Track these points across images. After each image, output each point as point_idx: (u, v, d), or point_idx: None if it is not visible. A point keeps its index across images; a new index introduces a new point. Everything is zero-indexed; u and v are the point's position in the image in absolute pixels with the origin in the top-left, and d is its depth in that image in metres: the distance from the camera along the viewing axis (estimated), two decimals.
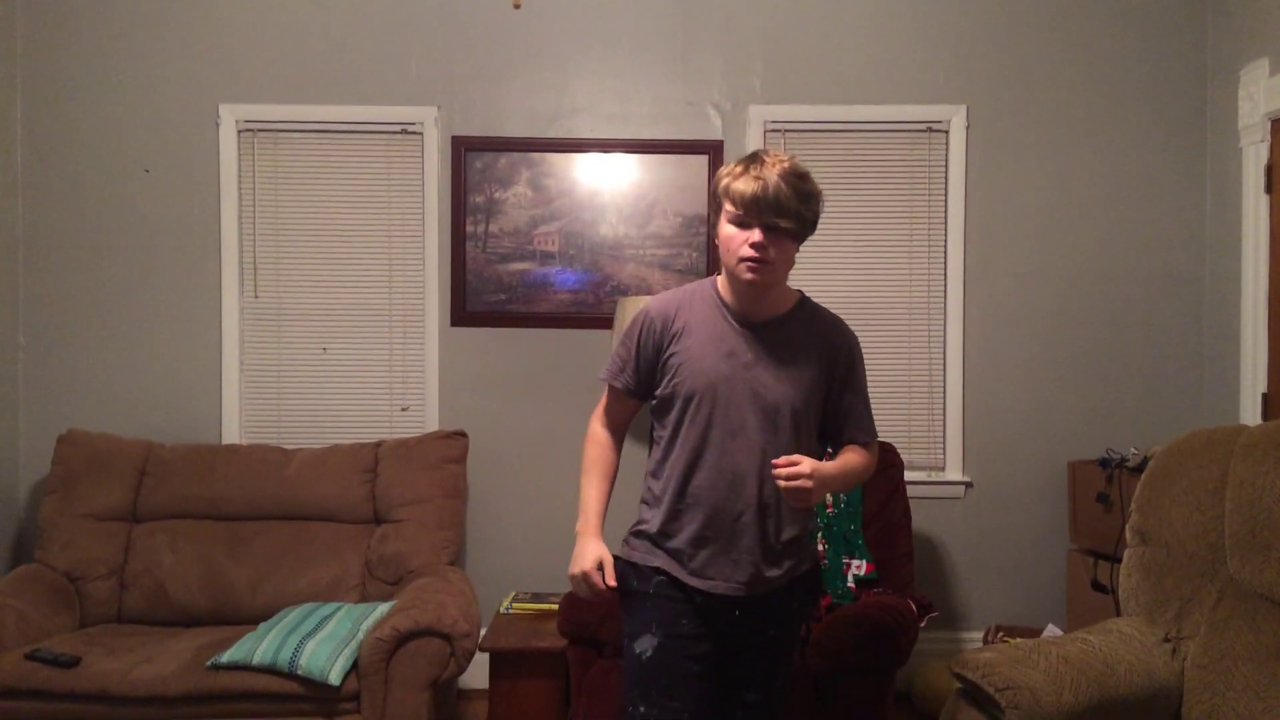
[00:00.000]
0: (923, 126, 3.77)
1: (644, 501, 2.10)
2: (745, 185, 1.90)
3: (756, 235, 1.91)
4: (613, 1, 3.77)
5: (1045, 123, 3.76)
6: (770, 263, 1.93)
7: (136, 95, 3.75)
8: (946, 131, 3.76)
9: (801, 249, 2.04)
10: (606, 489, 2.12)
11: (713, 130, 3.77)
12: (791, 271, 2.06)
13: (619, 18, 3.77)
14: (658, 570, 2.02)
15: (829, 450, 2.12)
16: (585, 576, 2.01)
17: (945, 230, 3.77)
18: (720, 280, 2.07)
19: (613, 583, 2.01)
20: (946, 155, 3.76)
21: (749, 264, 1.92)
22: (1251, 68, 3.39)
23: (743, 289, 2.00)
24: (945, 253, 3.77)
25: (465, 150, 3.75)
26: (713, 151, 3.75)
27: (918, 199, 3.78)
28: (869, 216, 3.78)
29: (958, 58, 3.76)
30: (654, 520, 2.04)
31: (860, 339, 3.95)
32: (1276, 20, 3.30)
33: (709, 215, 2.09)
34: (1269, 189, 3.31)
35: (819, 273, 3.74)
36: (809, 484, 1.85)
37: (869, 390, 2.12)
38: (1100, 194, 3.76)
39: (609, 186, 3.76)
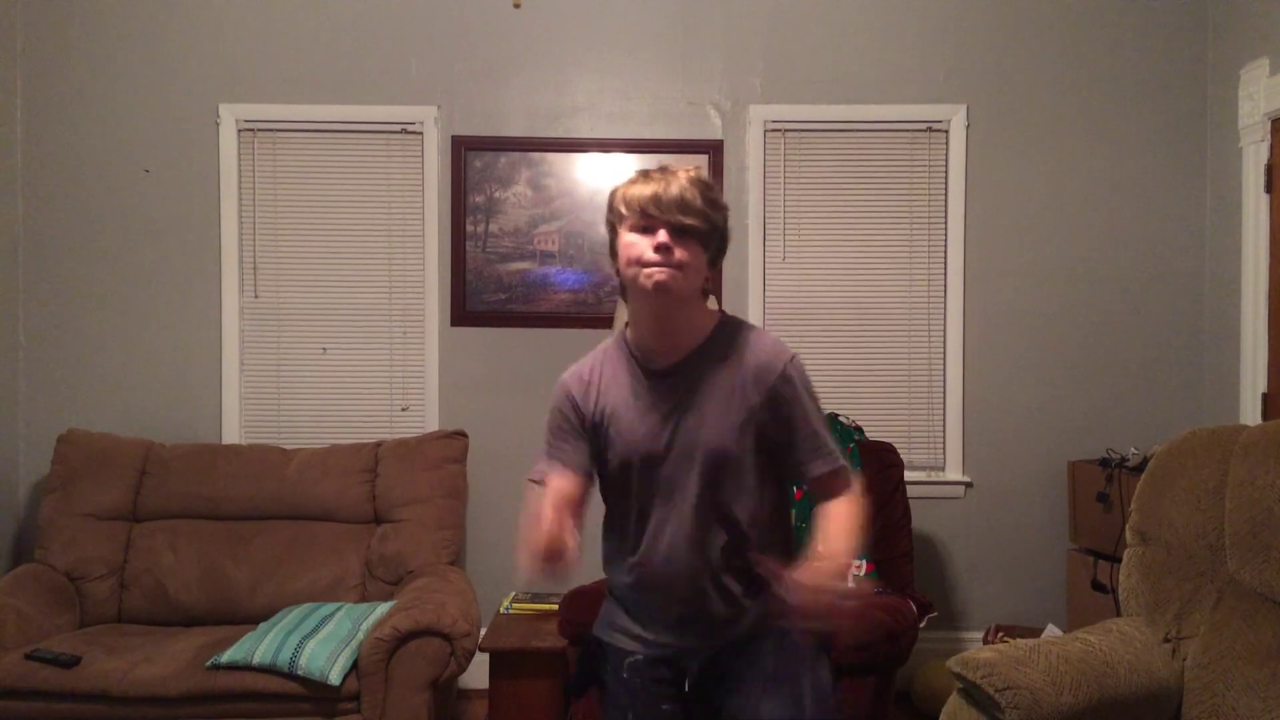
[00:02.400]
0: (923, 126, 3.77)
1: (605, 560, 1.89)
2: (643, 189, 1.72)
3: (661, 235, 1.69)
4: (613, 1, 3.77)
5: (1045, 122, 3.76)
6: (679, 266, 1.69)
7: (136, 95, 3.75)
8: (946, 131, 3.76)
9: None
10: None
11: (713, 130, 3.77)
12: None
13: (619, 17, 3.77)
14: (628, 651, 1.83)
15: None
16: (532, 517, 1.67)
17: (945, 230, 3.77)
18: (628, 327, 1.86)
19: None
20: (946, 155, 3.76)
21: (654, 267, 1.69)
22: (1252, 67, 3.39)
23: (647, 314, 1.77)
24: (945, 253, 3.77)
25: (465, 150, 3.75)
26: (713, 151, 3.75)
27: (918, 199, 3.78)
28: (869, 216, 3.78)
29: (958, 57, 3.76)
30: (615, 590, 1.87)
31: (860, 339, 3.92)
32: (1276, 20, 3.30)
33: (610, 244, 1.81)
34: (1269, 189, 3.31)
35: (819, 272, 3.75)
36: (819, 597, 1.58)
37: (821, 413, 1.82)
38: (1100, 194, 3.76)
39: (609, 186, 3.73)
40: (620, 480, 1.81)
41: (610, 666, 1.85)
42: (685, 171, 1.77)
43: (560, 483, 1.80)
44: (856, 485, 1.81)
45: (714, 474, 1.75)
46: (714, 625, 1.79)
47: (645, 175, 1.77)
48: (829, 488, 1.80)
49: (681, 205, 1.70)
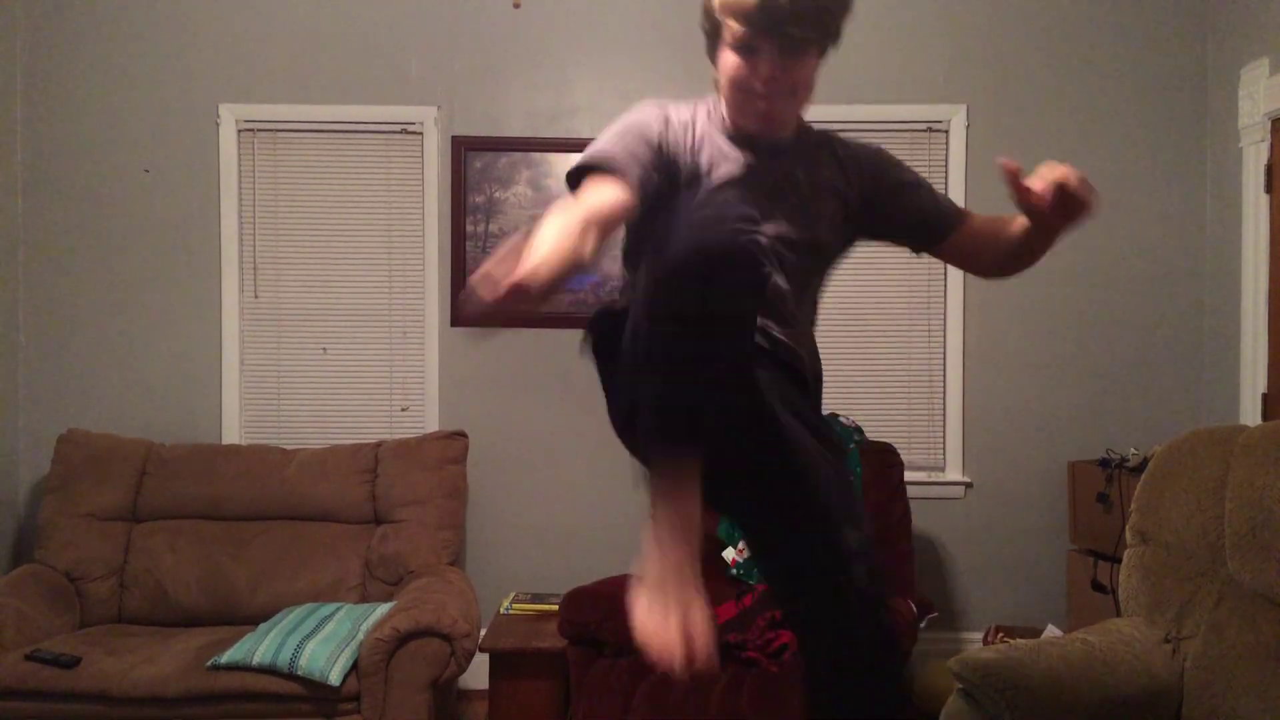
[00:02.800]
0: (923, 126, 3.77)
1: None
2: None
3: (766, 66, 1.47)
4: (613, 1, 3.77)
5: (1045, 122, 3.76)
6: (791, 93, 1.52)
7: (136, 95, 3.75)
8: (946, 131, 3.76)
9: None
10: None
11: None
12: None
13: (619, 17, 3.77)
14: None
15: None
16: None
17: None
18: (723, 102, 1.66)
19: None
20: (946, 155, 3.76)
21: (761, 105, 1.52)
22: (1252, 67, 3.39)
23: (754, 124, 1.61)
24: None
25: (465, 150, 3.75)
26: None
27: None
28: None
29: (957, 57, 3.76)
30: None
31: (860, 339, 3.93)
32: (1276, 20, 3.30)
33: (706, 42, 1.59)
34: (1269, 189, 3.31)
35: None
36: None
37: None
38: (1100, 193, 3.75)
39: None
40: None
41: None
42: None
43: (610, 192, 1.47)
44: None
45: (810, 263, 1.61)
46: None
47: None
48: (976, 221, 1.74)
49: (795, 12, 1.43)
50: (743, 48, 1.49)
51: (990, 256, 1.76)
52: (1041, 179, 1.43)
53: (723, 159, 1.59)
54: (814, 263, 1.65)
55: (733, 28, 1.47)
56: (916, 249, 1.76)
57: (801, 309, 1.65)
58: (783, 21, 1.43)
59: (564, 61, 3.77)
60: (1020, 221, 1.62)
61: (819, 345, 1.74)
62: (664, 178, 1.54)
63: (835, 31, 1.53)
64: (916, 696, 3.52)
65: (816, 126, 1.75)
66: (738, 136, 1.63)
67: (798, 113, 1.63)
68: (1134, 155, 3.75)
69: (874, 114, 3.75)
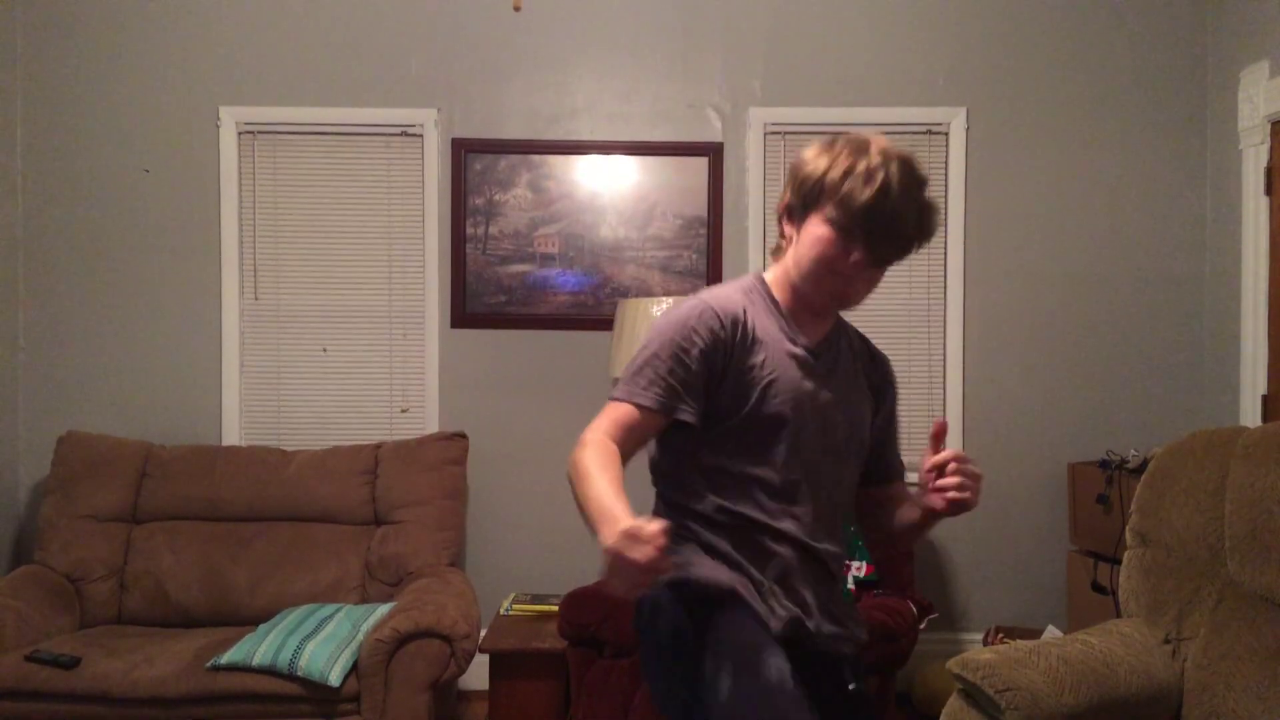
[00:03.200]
0: (922, 129, 3.77)
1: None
2: (867, 192, 1.50)
3: (858, 256, 1.54)
4: (613, 3, 3.77)
5: (1045, 125, 3.76)
6: (863, 290, 1.63)
7: (137, 97, 3.76)
8: (946, 134, 3.77)
9: None
10: (621, 487, 1.51)
11: (713, 132, 3.77)
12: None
13: (619, 19, 3.77)
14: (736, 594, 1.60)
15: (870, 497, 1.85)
16: (630, 534, 1.34)
17: (945, 231, 3.77)
18: (772, 279, 1.70)
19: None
20: (946, 157, 3.77)
21: (842, 284, 1.60)
22: (1251, 70, 3.40)
23: (809, 304, 1.67)
24: (945, 254, 3.77)
25: (465, 152, 3.76)
26: (713, 153, 3.75)
27: None
28: None
29: (957, 60, 3.76)
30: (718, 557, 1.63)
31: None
32: (1276, 23, 3.30)
33: (789, 204, 1.64)
34: (1269, 191, 3.32)
35: None
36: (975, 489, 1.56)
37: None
38: (1100, 196, 3.76)
39: (609, 188, 3.76)
40: (772, 436, 1.61)
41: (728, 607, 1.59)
42: (907, 169, 1.54)
43: (642, 423, 1.56)
44: None
45: (839, 460, 1.70)
46: (833, 621, 1.71)
47: (869, 168, 1.51)
48: (899, 488, 1.84)
49: (897, 237, 1.56)
50: (840, 230, 1.55)
51: (886, 524, 1.83)
52: (935, 459, 1.58)
53: (779, 356, 1.65)
54: (856, 455, 1.75)
55: (836, 213, 1.54)
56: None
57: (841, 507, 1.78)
58: (883, 237, 1.54)
59: (564, 64, 3.78)
60: (912, 508, 1.73)
61: None
62: (708, 383, 1.61)
63: (919, 247, 1.65)
64: (917, 698, 3.53)
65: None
66: (789, 321, 1.68)
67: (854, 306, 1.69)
68: (1134, 157, 3.75)
69: (874, 116, 3.75)
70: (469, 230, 3.77)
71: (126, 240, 3.76)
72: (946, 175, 3.76)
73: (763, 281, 1.71)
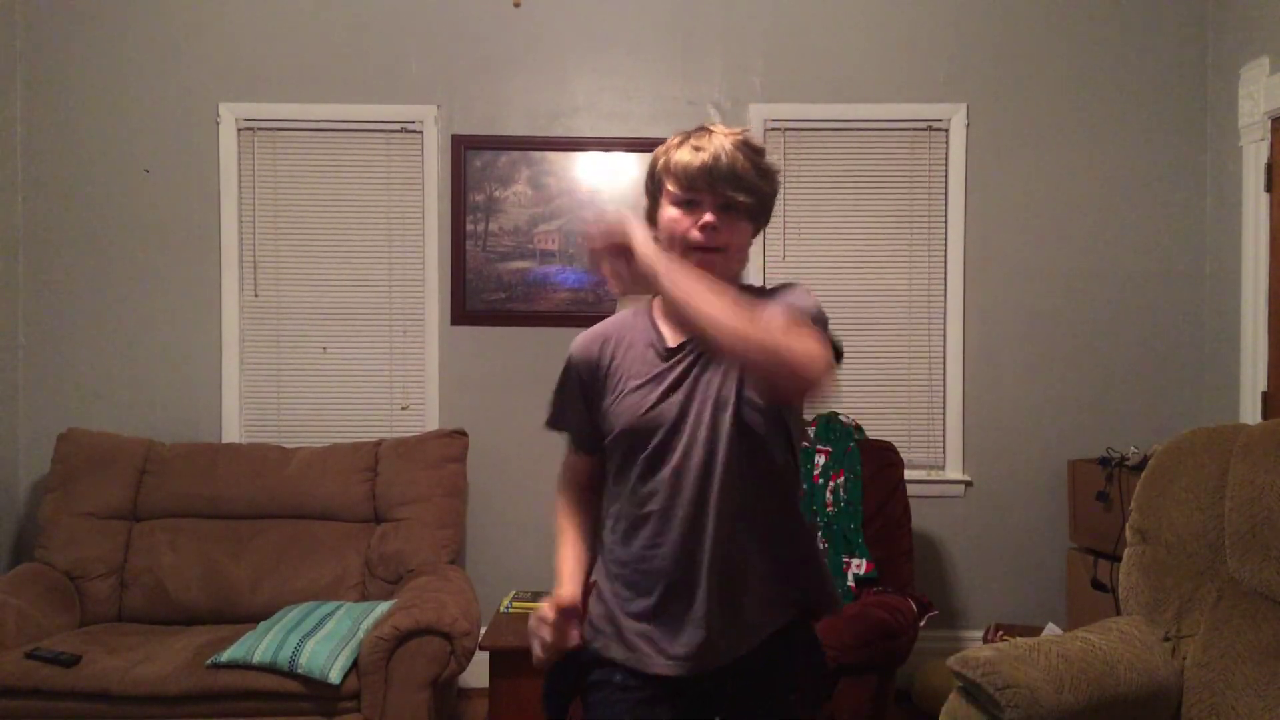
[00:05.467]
0: (923, 125, 3.77)
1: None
2: (690, 156, 1.58)
3: (707, 215, 1.57)
4: (612, 0, 3.76)
5: (1045, 121, 3.76)
6: (725, 249, 1.59)
7: (136, 94, 3.75)
8: (946, 130, 3.76)
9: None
10: (575, 552, 1.81)
11: None
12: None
13: (619, 16, 3.77)
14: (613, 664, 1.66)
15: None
16: (536, 617, 1.66)
17: (945, 230, 3.77)
18: (657, 302, 1.68)
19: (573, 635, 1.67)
20: (946, 154, 3.76)
21: (699, 253, 1.58)
22: (1252, 66, 3.39)
23: None
24: (945, 252, 3.77)
25: (465, 149, 3.75)
26: None
27: (918, 198, 3.78)
28: (869, 216, 3.78)
29: (958, 57, 3.76)
30: (606, 591, 1.71)
31: (860, 338, 3.94)
32: (1276, 19, 3.30)
33: (647, 209, 1.69)
34: (1269, 188, 3.31)
35: (819, 271, 3.75)
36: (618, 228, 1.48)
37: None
38: (1100, 193, 3.76)
39: (609, 185, 3.76)
40: (624, 458, 1.65)
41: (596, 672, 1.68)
42: (732, 134, 1.62)
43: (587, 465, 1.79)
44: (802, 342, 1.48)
45: (743, 445, 1.59)
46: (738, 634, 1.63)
47: (690, 139, 1.61)
48: None
49: (733, 179, 1.57)
50: (684, 203, 1.60)
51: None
52: None
53: (636, 374, 1.66)
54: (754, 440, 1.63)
55: (676, 187, 1.60)
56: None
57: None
58: (722, 182, 1.57)
59: (564, 60, 3.77)
60: None
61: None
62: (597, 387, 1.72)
63: (765, 209, 1.65)
64: (916, 695, 3.53)
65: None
66: (658, 328, 1.67)
67: (732, 275, 1.64)
68: (1134, 154, 3.75)
69: (874, 113, 3.76)
70: (469, 227, 3.76)
71: (126, 237, 3.76)
72: (947, 172, 3.76)
73: (651, 305, 1.71)
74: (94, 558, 3.35)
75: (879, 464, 3.38)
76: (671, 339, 1.66)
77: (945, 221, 3.77)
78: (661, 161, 1.64)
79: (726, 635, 1.61)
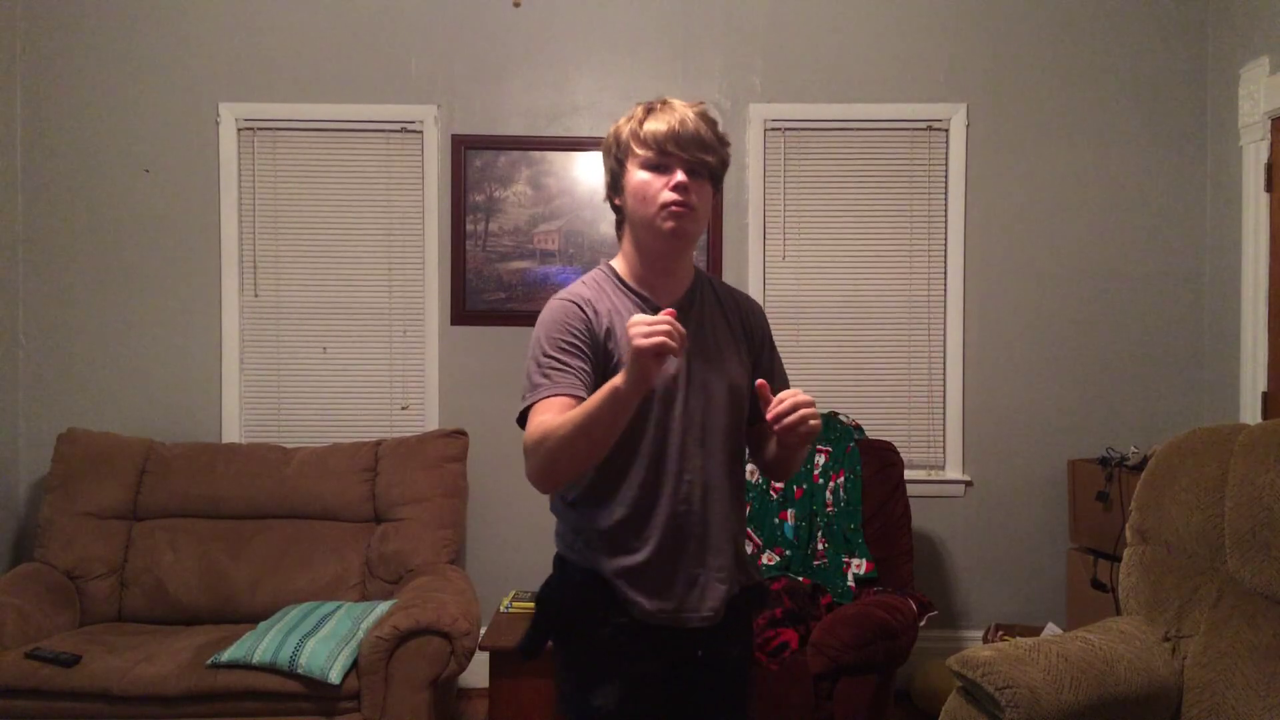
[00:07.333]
0: (923, 125, 3.77)
1: (570, 533, 1.88)
2: (657, 124, 1.68)
3: (679, 175, 1.66)
4: (613, 0, 3.77)
5: (1045, 121, 3.76)
6: (694, 209, 1.68)
7: (136, 94, 3.75)
8: (946, 130, 3.76)
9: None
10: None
11: None
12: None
13: (619, 16, 3.77)
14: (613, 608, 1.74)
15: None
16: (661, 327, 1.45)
17: (945, 229, 3.77)
18: (617, 262, 1.79)
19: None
20: (946, 154, 3.76)
21: (673, 210, 1.65)
22: (1251, 66, 3.39)
23: (657, 252, 1.73)
24: (945, 252, 3.77)
25: (465, 149, 3.75)
26: None
27: (918, 198, 3.78)
28: (869, 216, 3.78)
29: (958, 56, 3.76)
30: (599, 548, 1.80)
31: (860, 338, 3.95)
32: (1276, 19, 3.30)
33: (609, 180, 1.78)
34: (1269, 187, 3.31)
35: (819, 271, 3.75)
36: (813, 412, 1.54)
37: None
38: (1100, 193, 3.76)
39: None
40: (637, 416, 1.62)
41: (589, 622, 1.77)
42: (691, 105, 1.74)
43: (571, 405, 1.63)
44: None
45: (735, 413, 1.75)
46: (723, 587, 1.74)
47: (653, 110, 1.72)
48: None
49: (699, 142, 1.68)
50: (654, 166, 1.68)
51: (762, 458, 1.87)
52: (774, 409, 1.56)
53: (622, 322, 1.68)
54: (736, 411, 1.76)
55: (646, 151, 1.69)
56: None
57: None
58: (690, 145, 1.67)
59: (564, 60, 3.77)
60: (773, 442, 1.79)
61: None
62: (594, 364, 1.70)
63: (722, 174, 1.75)
64: (916, 695, 3.53)
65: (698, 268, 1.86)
66: (639, 293, 1.74)
67: (698, 235, 1.74)
68: (1134, 154, 3.75)
69: (874, 113, 3.76)
70: (469, 227, 3.76)
71: (126, 237, 3.76)
72: (947, 172, 3.76)
73: (610, 268, 1.80)
74: (94, 558, 3.35)
75: (879, 464, 3.38)
76: (664, 300, 1.74)
77: (945, 221, 3.77)
78: (629, 129, 1.72)
79: (705, 588, 1.73)
